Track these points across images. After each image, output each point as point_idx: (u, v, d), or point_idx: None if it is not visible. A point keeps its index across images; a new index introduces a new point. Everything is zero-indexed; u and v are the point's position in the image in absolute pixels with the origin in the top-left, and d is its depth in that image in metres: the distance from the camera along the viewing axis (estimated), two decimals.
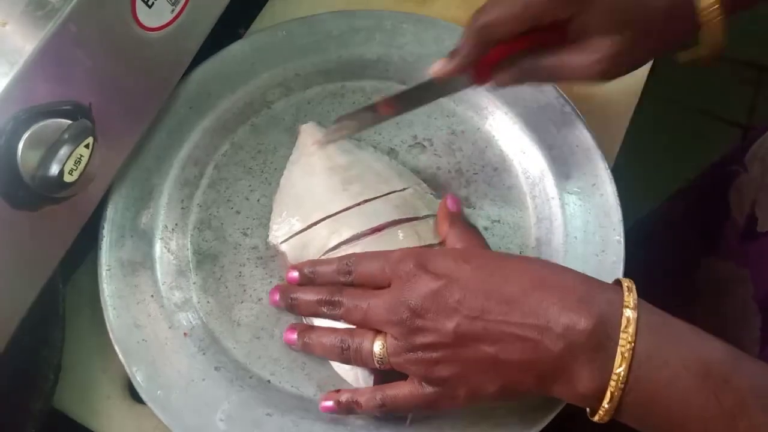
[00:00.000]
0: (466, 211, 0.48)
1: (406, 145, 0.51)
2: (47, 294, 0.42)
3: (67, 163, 0.36)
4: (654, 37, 0.40)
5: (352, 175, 0.46)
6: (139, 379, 0.42)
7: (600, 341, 0.33)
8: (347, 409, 0.40)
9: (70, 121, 0.37)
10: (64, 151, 0.36)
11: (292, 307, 0.43)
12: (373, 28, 0.53)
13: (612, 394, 0.33)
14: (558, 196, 0.48)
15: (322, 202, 0.46)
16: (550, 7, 0.38)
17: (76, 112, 0.38)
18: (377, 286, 0.39)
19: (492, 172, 0.50)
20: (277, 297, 0.44)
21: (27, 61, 0.35)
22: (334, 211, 0.45)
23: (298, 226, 0.45)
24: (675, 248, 0.68)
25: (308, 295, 0.42)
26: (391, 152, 0.51)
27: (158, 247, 0.47)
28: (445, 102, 0.51)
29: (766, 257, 0.48)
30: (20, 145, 0.35)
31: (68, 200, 0.40)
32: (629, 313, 0.33)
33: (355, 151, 0.49)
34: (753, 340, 0.48)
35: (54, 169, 0.36)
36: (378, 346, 0.38)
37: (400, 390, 0.38)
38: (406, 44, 0.53)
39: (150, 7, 0.42)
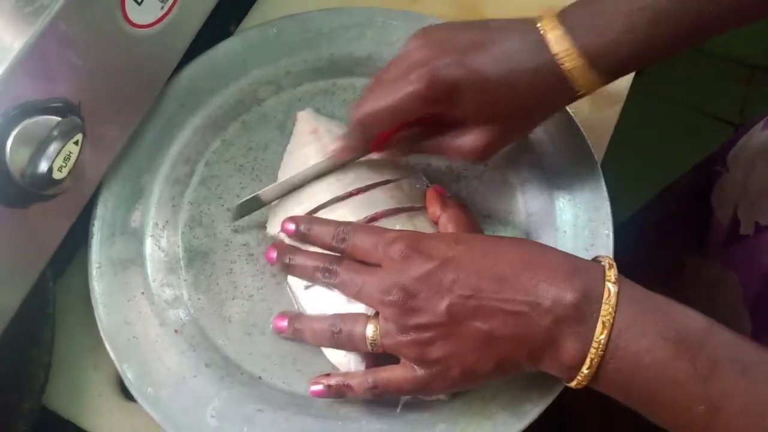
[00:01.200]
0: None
1: None
2: (37, 292, 0.42)
3: (56, 160, 0.36)
4: (520, 123, 0.43)
5: (347, 165, 0.47)
6: (129, 377, 0.42)
7: (584, 313, 0.35)
8: (337, 392, 0.40)
9: (59, 118, 0.37)
10: (53, 147, 0.36)
11: (288, 267, 0.43)
12: (363, 24, 0.53)
13: (591, 360, 0.34)
14: (548, 192, 0.48)
15: (316, 191, 0.46)
16: (420, 105, 0.41)
17: (66, 109, 0.38)
18: (368, 262, 0.40)
19: (482, 168, 0.50)
20: (273, 255, 0.44)
21: (15, 58, 0.35)
22: (327, 200, 0.45)
23: None
24: (661, 248, 0.68)
25: (307, 260, 0.42)
26: None
27: (149, 245, 0.46)
28: None
29: (750, 260, 0.49)
30: (9, 143, 0.35)
31: (58, 198, 0.40)
32: (610, 287, 0.35)
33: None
34: None
35: (43, 166, 0.36)
36: (371, 330, 0.39)
37: (393, 373, 0.39)
38: (397, 41, 0.53)
39: (140, 4, 0.42)
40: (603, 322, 0.34)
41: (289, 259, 0.43)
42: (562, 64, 0.40)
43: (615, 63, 0.40)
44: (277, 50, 0.53)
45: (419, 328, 0.37)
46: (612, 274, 0.35)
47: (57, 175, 0.37)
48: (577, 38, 0.39)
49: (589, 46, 0.39)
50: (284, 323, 0.43)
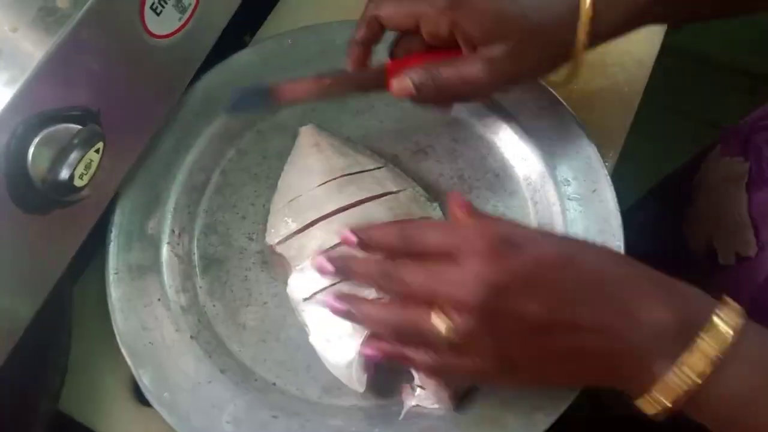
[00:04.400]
0: None
1: (409, 152, 0.52)
2: (55, 297, 0.42)
3: (77, 168, 0.37)
4: (534, 51, 0.41)
5: (348, 176, 0.47)
6: (145, 382, 0.42)
7: (682, 337, 0.32)
8: (399, 359, 0.37)
9: (80, 127, 0.38)
10: (74, 155, 0.37)
11: (344, 270, 0.39)
12: None
13: (680, 393, 0.32)
14: (558, 202, 0.49)
15: (317, 203, 0.46)
16: (431, 7, 0.40)
17: (86, 117, 0.39)
18: (439, 256, 0.35)
19: (494, 179, 0.51)
20: (327, 263, 0.39)
21: (37, 66, 0.35)
22: (328, 212, 0.45)
23: (294, 227, 0.45)
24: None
25: (368, 267, 0.38)
26: (395, 158, 0.51)
27: (165, 252, 0.47)
28: None
29: (735, 289, 0.48)
30: (31, 150, 0.35)
31: (77, 204, 0.40)
32: (716, 320, 0.32)
33: (353, 154, 0.49)
34: None
35: (65, 174, 0.36)
36: (443, 327, 0.34)
37: (465, 363, 0.35)
38: None
39: (158, 15, 0.42)
40: (703, 352, 0.31)
41: (350, 265, 0.39)
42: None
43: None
44: (291, 61, 0.53)
45: (503, 332, 0.33)
46: (729, 312, 0.33)
47: (78, 182, 0.37)
48: None
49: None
50: (342, 305, 0.38)
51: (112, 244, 0.46)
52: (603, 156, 0.49)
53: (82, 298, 0.48)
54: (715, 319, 0.32)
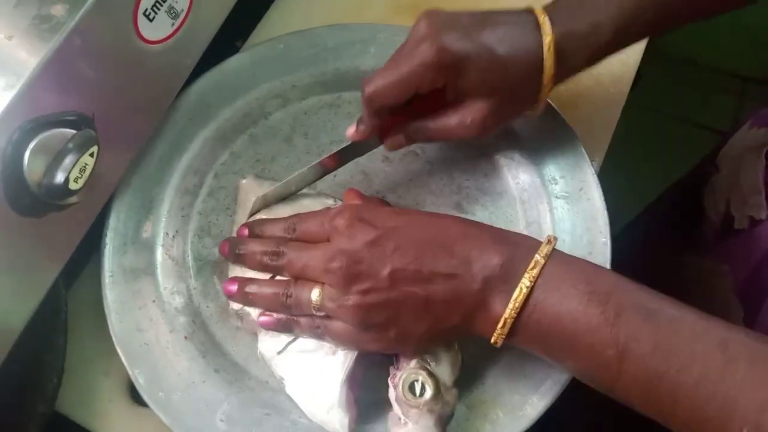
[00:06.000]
0: (458, 215, 0.49)
1: (400, 154, 0.52)
2: (50, 299, 0.43)
3: (72, 171, 0.37)
4: (514, 100, 0.45)
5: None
6: (141, 382, 0.43)
7: (510, 275, 0.37)
8: (285, 326, 0.42)
9: (74, 131, 0.38)
10: (69, 159, 0.37)
11: (238, 257, 0.45)
12: (367, 40, 0.55)
13: (505, 320, 0.37)
14: (546, 201, 0.49)
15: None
16: (430, 74, 0.42)
17: (80, 122, 0.39)
18: (319, 241, 0.41)
19: (483, 179, 0.51)
20: (226, 249, 0.45)
21: (32, 73, 0.36)
22: None
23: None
24: (662, 249, 0.69)
25: (254, 246, 0.44)
26: (386, 160, 0.52)
27: (159, 254, 0.48)
28: None
29: (743, 252, 0.51)
30: (26, 154, 0.36)
31: (71, 208, 0.41)
32: (538, 257, 0.38)
33: (298, 199, 0.49)
34: None
35: (60, 177, 0.37)
36: (315, 294, 0.40)
37: (335, 324, 0.41)
38: None
39: (151, 21, 0.43)
40: (521, 285, 0.37)
41: (239, 249, 0.44)
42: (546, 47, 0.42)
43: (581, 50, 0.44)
44: (284, 65, 0.54)
45: (361, 292, 0.38)
46: (546, 249, 0.38)
47: (73, 185, 0.38)
48: (555, 24, 0.43)
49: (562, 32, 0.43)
50: (234, 287, 0.44)
51: (107, 247, 0.47)
52: (590, 155, 0.50)
53: (78, 300, 0.48)
54: (537, 257, 0.38)
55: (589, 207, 0.48)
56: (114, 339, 0.44)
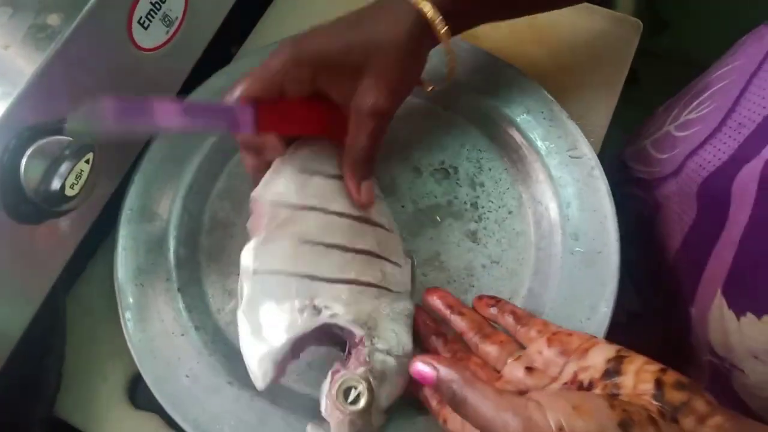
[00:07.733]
0: (470, 245, 0.49)
1: (431, 168, 0.51)
2: (49, 304, 0.43)
3: (68, 178, 0.38)
4: (397, 70, 0.42)
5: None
6: (127, 320, 0.44)
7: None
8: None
9: (70, 138, 0.39)
10: (65, 166, 0.37)
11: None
12: None
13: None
14: (561, 254, 0.47)
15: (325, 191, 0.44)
16: (294, 71, 0.40)
17: None
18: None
19: (506, 215, 0.50)
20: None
21: (29, 81, 0.36)
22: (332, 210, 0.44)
23: (293, 190, 0.43)
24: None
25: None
26: (415, 170, 0.51)
27: (178, 205, 0.49)
28: (480, 137, 0.53)
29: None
30: (23, 162, 0.36)
31: (68, 214, 0.41)
32: None
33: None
34: None
35: (56, 184, 0.37)
36: None
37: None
38: None
39: (146, 28, 0.43)
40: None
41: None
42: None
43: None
44: None
45: None
46: None
47: (69, 192, 0.38)
48: None
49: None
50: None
51: (134, 185, 0.48)
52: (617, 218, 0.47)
53: (76, 305, 0.49)
54: None
55: (602, 272, 0.45)
56: (116, 277, 0.46)
